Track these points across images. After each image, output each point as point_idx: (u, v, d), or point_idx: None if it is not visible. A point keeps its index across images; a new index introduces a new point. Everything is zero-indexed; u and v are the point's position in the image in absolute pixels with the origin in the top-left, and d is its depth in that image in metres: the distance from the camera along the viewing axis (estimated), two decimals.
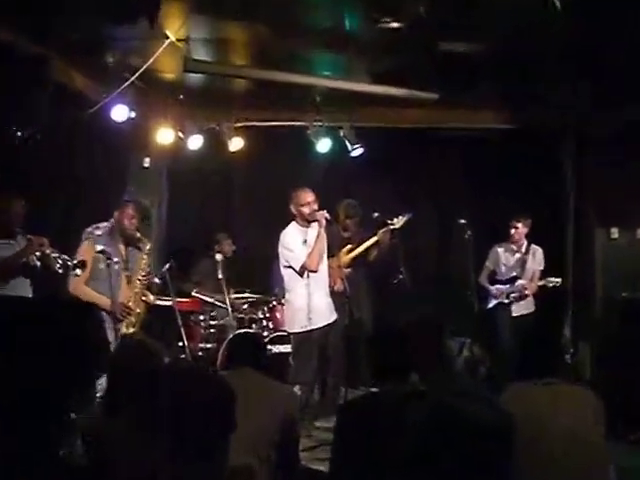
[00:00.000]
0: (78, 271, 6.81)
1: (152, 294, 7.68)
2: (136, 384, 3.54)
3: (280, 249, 7.58)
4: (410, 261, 9.03)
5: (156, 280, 7.98)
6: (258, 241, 9.53)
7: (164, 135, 9.55)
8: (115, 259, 7.25)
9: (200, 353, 9.22)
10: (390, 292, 9.00)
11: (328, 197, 8.41)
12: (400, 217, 8.94)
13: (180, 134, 9.59)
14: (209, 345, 9.32)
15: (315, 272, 7.49)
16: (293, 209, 7.73)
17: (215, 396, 2.73)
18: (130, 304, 7.38)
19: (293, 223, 7.66)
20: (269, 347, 8.65)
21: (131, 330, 7.27)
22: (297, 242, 7.47)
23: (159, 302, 8.05)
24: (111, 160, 9.55)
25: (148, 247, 7.58)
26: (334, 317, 7.75)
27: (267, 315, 9.58)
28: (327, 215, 7.60)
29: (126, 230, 7.46)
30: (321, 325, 7.64)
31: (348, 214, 9.26)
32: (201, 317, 9.52)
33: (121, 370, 3.86)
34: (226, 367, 4.93)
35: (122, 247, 7.49)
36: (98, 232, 7.42)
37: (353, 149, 9.86)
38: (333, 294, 8.05)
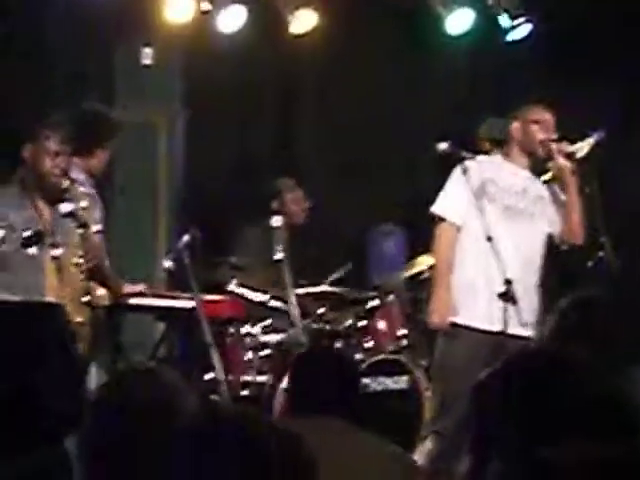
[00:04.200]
0: None
1: (100, 284, 6.93)
2: (140, 448, 2.74)
3: None
4: (619, 223, 7.06)
5: (166, 264, 7.35)
6: (344, 197, 8.49)
7: (177, 7, 8.42)
8: (26, 232, 6.52)
9: (245, 392, 8.13)
10: (580, 284, 6.95)
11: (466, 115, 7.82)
12: (587, 140, 7.19)
13: (206, 4, 8.41)
14: (261, 378, 8.23)
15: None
16: (518, 125, 6.70)
17: (283, 468, 2.18)
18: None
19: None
20: (366, 380, 7.47)
21: None
22: (503, 176, 6.46)
23: (163, 302, 7.51)
24: (85, 52, 8.76)
25: (85, 204, 6.86)
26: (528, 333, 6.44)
27: (362, 324, 8.35)
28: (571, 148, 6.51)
29: (48, 177, 6.74)
30: (516, 333, 6.23)
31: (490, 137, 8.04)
32: (246, 328, 8.31)
33: (110, 426, 2.95)
34: (291, 415, 4.35)
35: (43, 208, 6.86)
36: None
37: (512, 28, 8.32)
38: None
